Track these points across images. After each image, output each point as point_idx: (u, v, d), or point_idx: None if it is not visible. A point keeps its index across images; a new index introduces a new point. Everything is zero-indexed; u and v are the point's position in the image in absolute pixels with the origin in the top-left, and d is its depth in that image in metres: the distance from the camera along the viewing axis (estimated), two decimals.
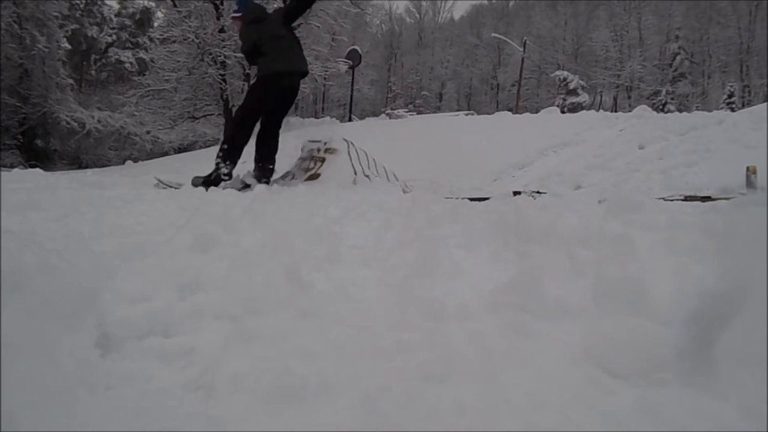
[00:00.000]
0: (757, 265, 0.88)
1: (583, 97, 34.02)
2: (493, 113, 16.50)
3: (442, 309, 1.19)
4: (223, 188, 3.72)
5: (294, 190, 3.82)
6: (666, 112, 15.76)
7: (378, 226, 2.33)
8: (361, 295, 1.36)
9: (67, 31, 24.65)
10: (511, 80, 42.54)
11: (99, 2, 30.10)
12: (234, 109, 17.28)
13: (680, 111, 17.48)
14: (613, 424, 0.79)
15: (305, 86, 18.61)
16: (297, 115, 20.15)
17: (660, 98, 36.24)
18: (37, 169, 4.77)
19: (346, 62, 20.22)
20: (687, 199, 4.00)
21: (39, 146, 21.15)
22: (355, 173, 4.51)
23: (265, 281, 1.28)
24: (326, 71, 18.93)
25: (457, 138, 9.60)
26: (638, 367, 0.91)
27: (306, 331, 1.09)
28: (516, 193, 4.29)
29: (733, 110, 12.49)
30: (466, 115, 18.33)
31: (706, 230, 1.63)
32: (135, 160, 14.01)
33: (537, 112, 15.78)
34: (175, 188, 3.79)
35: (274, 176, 4.62)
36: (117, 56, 31.13)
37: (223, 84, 17.11)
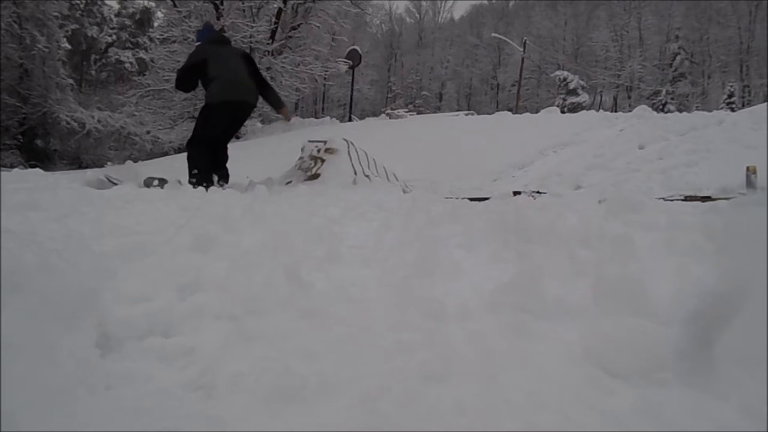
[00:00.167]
0: (757, 265, 0.88)
1: (583, 97, 34.02)
2: (493, 113, 16.48)
3: (442, 309, 1.19)
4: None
5: (294, 190, 3.82)
6: (666, 112, 15.74)
7: (378, 226, 2.33)
8: (361, 295, 1.36)
9: (67, 31, 24.65)
10: (511, 80, 42.53)
11: (99, 2, 30.08)
12: None
13: (680, 111, 17.46)
14: (613, 424, 0.79)
15: (305, 86, 18.63)
16: (297, 115, 20.12)
17: (660, 98, 36.22)
18: (37, 169, 4.77)
19: (346, 62, 20.20)
20: (687, 199, 4.00)
21: (39, 146, 21.13)
22: (355, 173, 4.51)
23: (265, 281, 1.28)
24: (326, 71, 18.92)
25: (457, 138, 9.59)
26: (638, 367, 0.91)
27: (306, 331, 1.09)
28: (516, 193, 4.29)
29: (733, 110, 12.48)
30: (466, 115, 18.29)
31: (706, 230, 1.63)
32: (135, 160, 13.97)
33: (537, 112, 15.77)
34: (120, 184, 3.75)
35: (275, 177, 4.63)
36: (117, 56, 31.11)
37: None
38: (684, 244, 1.58)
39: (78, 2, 28.10)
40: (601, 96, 41.11)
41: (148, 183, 4.06)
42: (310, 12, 17.74)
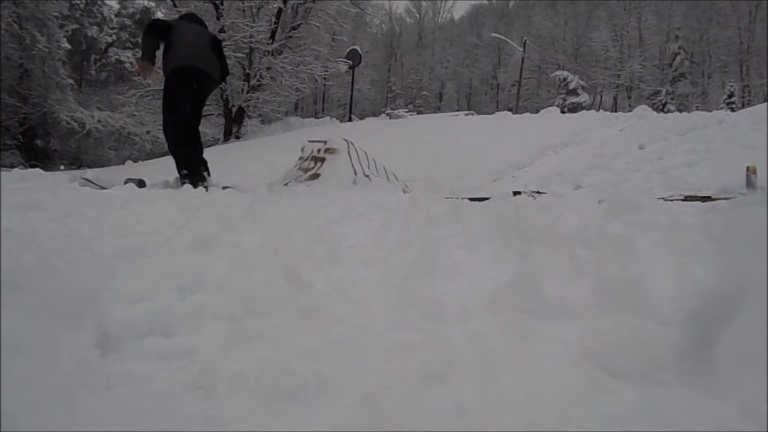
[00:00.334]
0: (757, 265, 0.88)
1: (583, 97, 34.03)
2: (493, 113, 16.50)
3: (442, 309, 1.19)
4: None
5: (294, 190, 3.82)
6: (666, 112, 15.76)
7: (378, 226, 2.33)
8: (361, 295, 1.36)
9: (67, 31, 24.66)
10: (511, 80, 42.53)
11: (99, 2, 30.12)
12: (234, 109, 17.30)
13: (680, 111, 17.49)
14: (613, 424, 0.79)
15: (305, 86, 18.63)
16: (297, 115, 20.14)
17: (660, 98, 36.23)
18: (37, 169, 4.77)
19: (346, 62, 20.22)
20: (687, 199, 3.99)
21: (39, 146, 21.16)
22: (355, 173, 4.51)
23: (265, 281, 1.28)
24: (326, 71, 18.93)
25: (457, 138, 9.60)
26: (638, 367, 0.91)
27: (306, 331, 1.09)
28: (516, 193, 4.29)
29: (733, 110, 12.48)
30: (466, 115, 18.31)
31: (706, 230, 1.63)
32: (135, 160, 14.01)
33: (537, 112, 15.79)
34: (103, 188, 3.69)
35: (274, 177, 4.63)
36: (117, 56, 31.15)
37: (223, 84, 17.11)
38: (684, 244, 1.58)
39: (78, 2, 28.13)
40: (601, 96, 41.11)
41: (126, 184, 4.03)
42: (310, 12, 17.75)
